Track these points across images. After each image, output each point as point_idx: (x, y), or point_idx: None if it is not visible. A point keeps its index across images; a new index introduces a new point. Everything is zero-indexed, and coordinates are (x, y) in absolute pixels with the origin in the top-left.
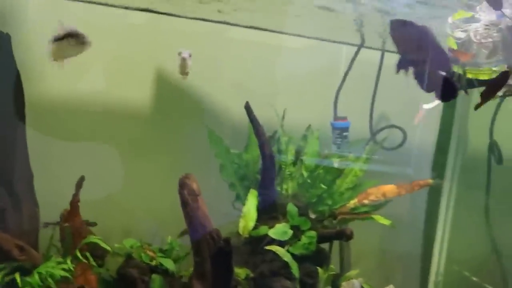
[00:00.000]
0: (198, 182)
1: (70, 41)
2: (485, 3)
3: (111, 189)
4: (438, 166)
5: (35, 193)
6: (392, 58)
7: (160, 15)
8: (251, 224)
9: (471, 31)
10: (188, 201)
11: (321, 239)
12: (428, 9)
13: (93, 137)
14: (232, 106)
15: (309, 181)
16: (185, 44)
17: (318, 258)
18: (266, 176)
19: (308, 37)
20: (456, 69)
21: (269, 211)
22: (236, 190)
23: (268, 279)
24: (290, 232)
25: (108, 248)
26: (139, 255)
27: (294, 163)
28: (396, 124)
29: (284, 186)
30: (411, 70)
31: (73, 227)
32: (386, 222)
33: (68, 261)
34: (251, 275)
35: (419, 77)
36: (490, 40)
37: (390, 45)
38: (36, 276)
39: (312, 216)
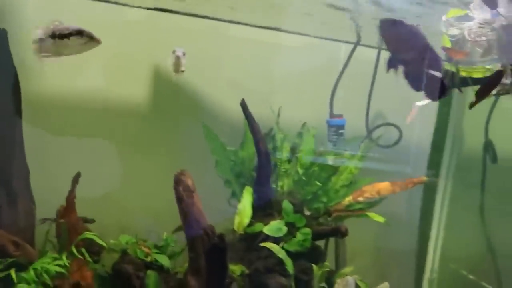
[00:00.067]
0: (193, 178)
1: (79, 39)
2: (478, 1)
3: (107, 186)
4: (434, 164)
5: (32, 190)
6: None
7: (158, 12)
8: (246, 221)
9: (465, 29)
10: (183, 197)
11: (316, 236)
12: (422, 8)
13: (89, 134)
14: (229, 104)
15: (304, 178)
16: (183, 42)
17: (313, 255)
18: (262, 173)
19: (306, 35)
20: (450, 67)
21: (264, 208)
22: (232, 187)
23: (263, 276)
24: (285, 229)
25: (103, 244)
26: (134, 251)
27: (289, 161)
28: (392, 122)
29: (280, 183)
30: (401, 69)
31: (69, 223)
32: (380, 219)
33: (64, 257)
34: (246, 271)
35: (408, 76)
36: (484, 38)
37: None
38: (32, 272)
39: (307, 213)
